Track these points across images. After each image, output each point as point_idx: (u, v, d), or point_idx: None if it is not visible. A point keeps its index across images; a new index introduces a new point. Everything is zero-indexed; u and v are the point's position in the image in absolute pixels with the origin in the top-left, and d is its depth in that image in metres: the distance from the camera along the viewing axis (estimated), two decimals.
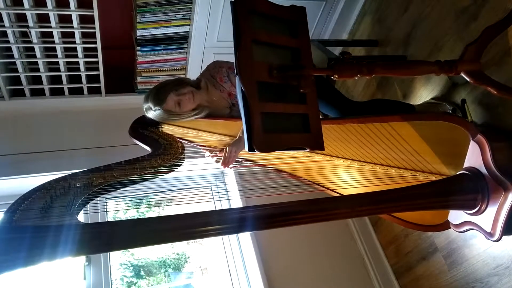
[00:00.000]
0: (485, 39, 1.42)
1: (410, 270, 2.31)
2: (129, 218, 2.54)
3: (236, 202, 2.53)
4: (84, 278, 2.22)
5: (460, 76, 1.37)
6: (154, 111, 1.69)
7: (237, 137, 1.78)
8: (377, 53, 2.54)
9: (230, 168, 1.80)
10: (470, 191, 1.38)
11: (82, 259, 2.24)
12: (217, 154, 1.81)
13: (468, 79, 1.37)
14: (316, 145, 1.20)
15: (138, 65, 2.69)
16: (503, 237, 1.32)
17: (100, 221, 2.05)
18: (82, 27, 2.38)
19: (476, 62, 1.37)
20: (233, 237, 2.58)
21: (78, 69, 2.59)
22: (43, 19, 2.36)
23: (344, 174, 1.79)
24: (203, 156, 1.84)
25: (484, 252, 1.81)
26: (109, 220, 2.24)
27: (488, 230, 1.35)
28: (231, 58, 1.36)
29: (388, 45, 2.44)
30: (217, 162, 1.81)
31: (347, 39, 2.88)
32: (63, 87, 2.64)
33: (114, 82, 2.78)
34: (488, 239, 1.36)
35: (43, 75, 2.54)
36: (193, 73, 2.62)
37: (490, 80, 1.40)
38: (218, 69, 1.81)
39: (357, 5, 2.74)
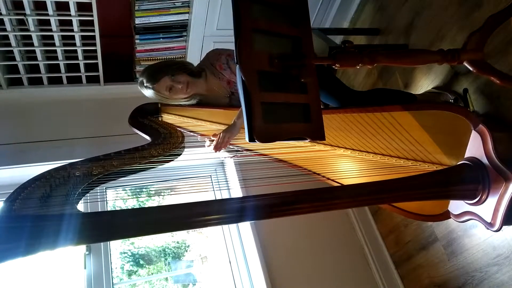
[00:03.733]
0: (488, 28, 1.39)
1: (409, 259, 2.32)
2: (129, 208, 2.54)
3: (236, 191, 2.53)
4: (85, 267, 2.23)
5: (462, 66, 1.36)
6: (146, 87, 1.72)
7: (232, 123, 1.77)
8: (378, 42, 2.52)
9: (227, 158, 1.80)
10: (470, 181, 1.37)
11: (82, 248, 2.25)
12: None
13: (470, 69, 1.35)
14: (317, 135, 1.19)
15: (137, 54, 2.67)
16: (503, 227, 1.32)
17: (99, 210, 2.05)
18: (80, 15, 2.35)
19: (479, 51, 1.35)
20: (233, 226, 2.58)
21: (76, 58, 2.56)
22: (40, 6, 2.33)
23: (344, 164, 1.78)
24: (203, 146, 1.83)
25: (484, 242, 1.81)
26: (108, 209, 2.24)
27: (489, 220, 1.35)
28: (231, 47, 1.34)
29: (390, 34, 2.42)
30: (208, 146, 1.80)
31: (348, 28, 2.86)
32: (61, 76, 2.62)
33: (112, 71, 2.76)
34: (488, 229, 1.36)
35: (41, 64, 2.52)
36: (192, 62, 2.60)
37: (493, 69, 1.38)
38: (217, 56, 1.80)
39: None
